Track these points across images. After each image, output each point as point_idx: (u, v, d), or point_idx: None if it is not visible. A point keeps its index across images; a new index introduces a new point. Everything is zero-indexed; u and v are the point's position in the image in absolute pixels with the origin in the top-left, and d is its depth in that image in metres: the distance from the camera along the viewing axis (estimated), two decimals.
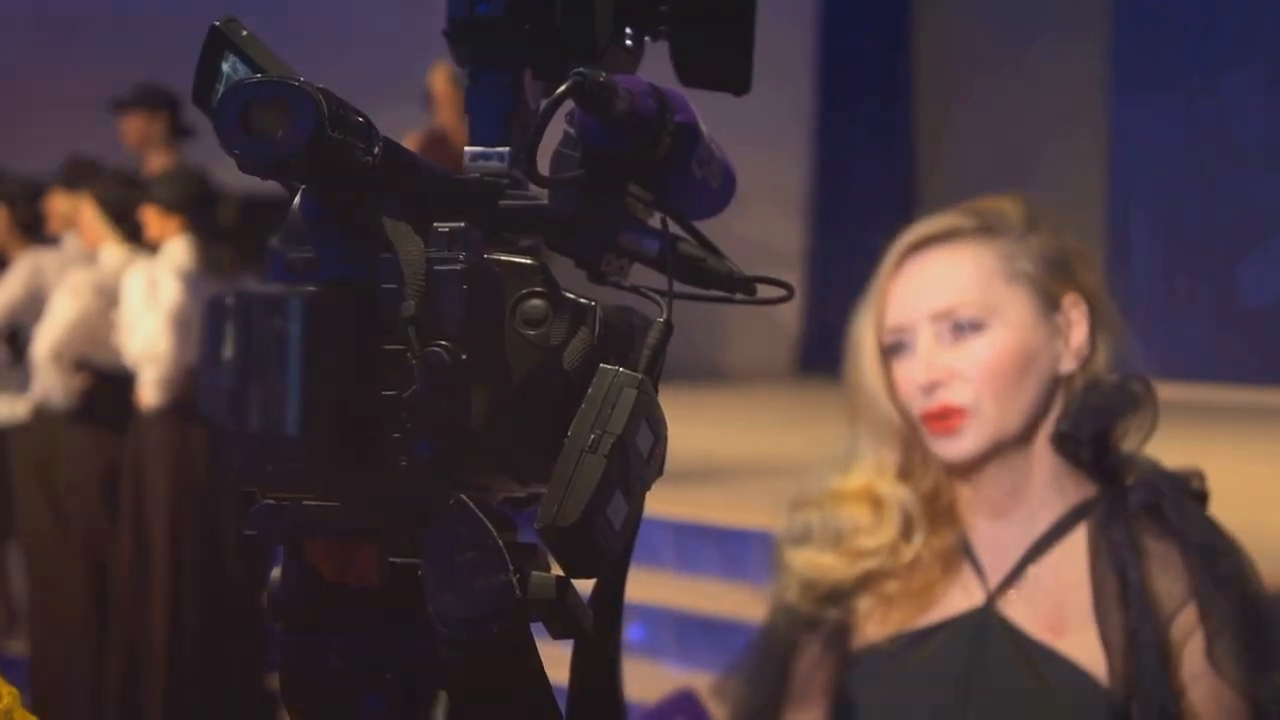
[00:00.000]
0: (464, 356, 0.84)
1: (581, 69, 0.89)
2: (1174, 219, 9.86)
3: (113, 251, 6.02)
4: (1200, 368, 9.05)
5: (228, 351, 0.82)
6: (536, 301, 0.88)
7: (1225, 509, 1.88)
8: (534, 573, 0.88)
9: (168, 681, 5.64)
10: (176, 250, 5.68)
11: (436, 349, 0.84)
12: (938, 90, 11.40)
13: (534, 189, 0.96)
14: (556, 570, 0.89)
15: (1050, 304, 1.89)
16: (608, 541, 0.84)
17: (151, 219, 5.75)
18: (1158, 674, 1.77)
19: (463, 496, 0.84)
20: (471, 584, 0.83)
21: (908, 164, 11.44)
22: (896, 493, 1.91)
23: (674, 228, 0.97)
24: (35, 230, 6.74)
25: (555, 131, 0.98)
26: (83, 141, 7.08)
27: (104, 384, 5.91)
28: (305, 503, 0.87)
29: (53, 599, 6.13)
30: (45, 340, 5.91)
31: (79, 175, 6.56)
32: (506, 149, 0.97)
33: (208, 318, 0.83)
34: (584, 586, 0.95)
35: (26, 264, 6.50)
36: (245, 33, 0.93)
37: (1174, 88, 9.75)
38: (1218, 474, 1.91)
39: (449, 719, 0.88)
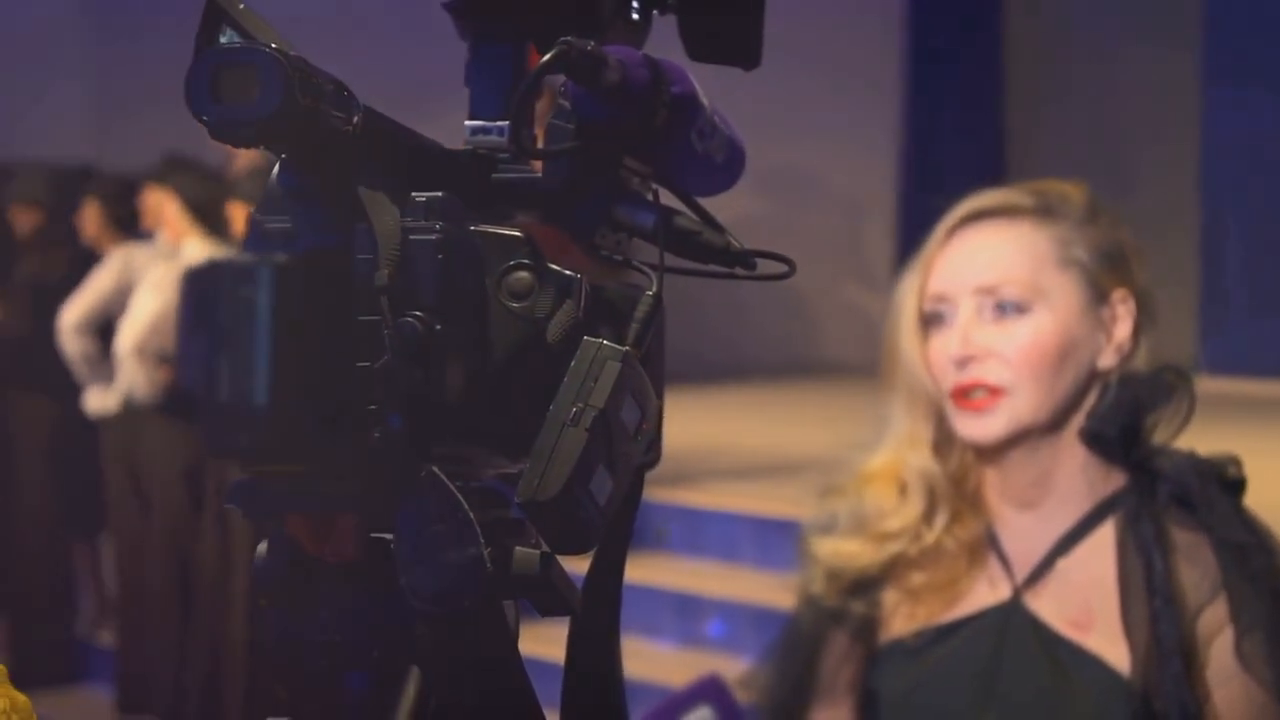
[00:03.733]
0: (438, 327, 0.83)
1: (568, 38, 0.88)
2: (1266, 215, 9.71)
3: (195, 246, 6.07)
4: None
5: (201, 322, 0.81)
6: (522, 273, 0.87)
7: None
8: (517, 548, 0.87)
9: (249, 673, 5.68)
10: None
11: (410, 319, 0.82)
12: (1029, 91, 11.28)
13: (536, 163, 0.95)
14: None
15: (1099, 296, 1.84)
16: (591, 517, 0.83)
17: (238, 215, 5.79)
18: (1179, 669, 1.73)
19: (434, 469, 0.82)
20: (442, 557, 0.82)
21: (999, 165, 11.31)
22: (923, 467, 1.87)
23: (673, 201, 0.96)
24: (130, 226, 6.80)
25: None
26: (187, 139, 7.11)
27: None
28: (285, 476, 0.86)
29: (139, 591, 6.19)
30: (128, 335, 5.96)
31: (170, 171, 6.61)
32: (506, 123, 0.95)
33: (183, 288, 0.82)
34: (579, 565, 0.94)
35: (118, 258, 6.56)
36: (242, 5, 0.92)
37: (1266, 84, 9.60)
38: None
39: (423, 693, 0.87)
